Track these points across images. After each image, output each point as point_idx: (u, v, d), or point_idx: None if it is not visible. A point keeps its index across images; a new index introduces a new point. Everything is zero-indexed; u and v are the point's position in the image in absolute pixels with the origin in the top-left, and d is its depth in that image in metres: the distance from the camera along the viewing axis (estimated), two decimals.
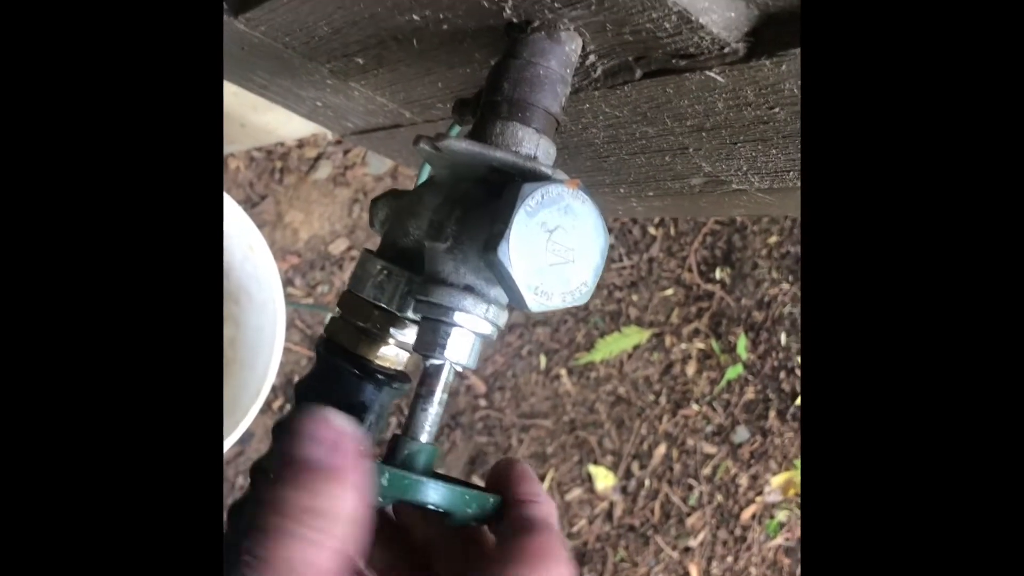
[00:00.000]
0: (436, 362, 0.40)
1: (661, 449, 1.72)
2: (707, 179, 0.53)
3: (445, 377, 0.40)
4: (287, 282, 1.38)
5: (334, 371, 0.44)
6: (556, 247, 0.37)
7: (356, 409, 0.44)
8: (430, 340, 0.40)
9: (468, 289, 0.39)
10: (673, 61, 0.40)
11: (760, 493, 1.77)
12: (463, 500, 0.38)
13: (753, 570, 1.75)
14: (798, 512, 1.78)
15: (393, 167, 1.46)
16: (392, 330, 0.44)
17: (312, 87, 0.60)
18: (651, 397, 1.71)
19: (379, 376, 0.44)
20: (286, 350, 1.03)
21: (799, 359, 1.77)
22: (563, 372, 1.68)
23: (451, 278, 0.40)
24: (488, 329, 0.40)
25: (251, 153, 1.35)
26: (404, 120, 0.60)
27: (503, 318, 0.41)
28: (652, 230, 1.75)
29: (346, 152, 1.45)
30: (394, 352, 0.45)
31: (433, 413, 0.40)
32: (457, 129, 0.50)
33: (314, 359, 0.46)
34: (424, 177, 0.55)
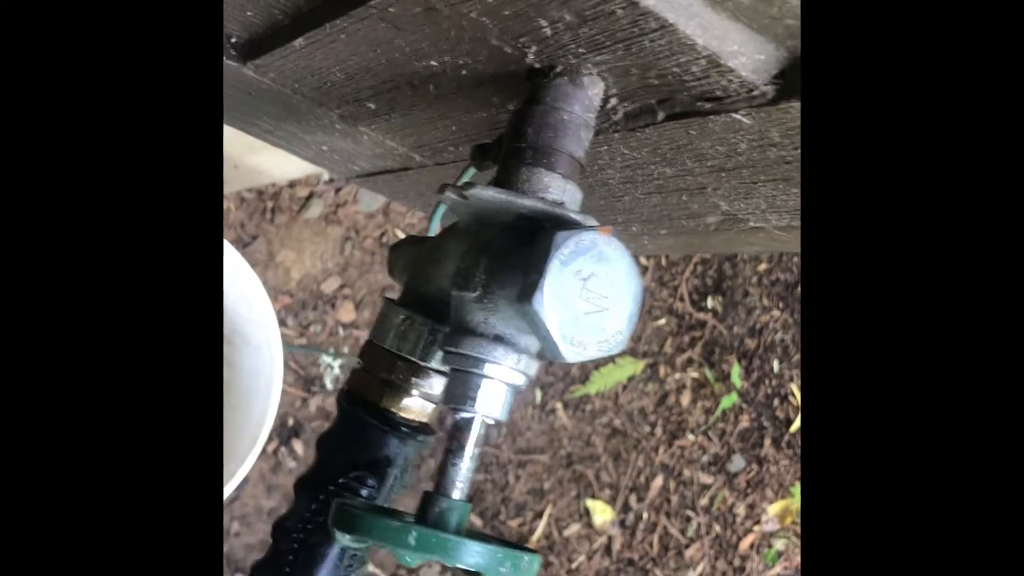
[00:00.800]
0: (466, 415, 0.39)
1: (658, 481, 1.71)
2: (724, 217, 0.53)
3: (476, 431, 0.39)
4: (279, 322, 1.36)
5: (357, 425, 0.43)
6: (590, 295, 0.36)
7: (381, 464, 0.43)
8: (460, 392, 0.39)
9: (499, 339, 0.39)
10: (698, 104, 0.40)
11: (757, 522, 1.76)
12: (497, 559, 0.37)
13: None
14: (796, 540, 1.77)
15: (385, 204, 1.46)
16: (416, 381, 0.43)
17: (320, 132, 0.59)
18: (647, 428, 1.70)
19: (404, 429, 0.43)
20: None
21: (792, 386, 1.77)
22: (558, 406, 1.67)
23: (481, 328, 0.39)
24: (520, 380, 0.39)
25: (242, 194, 1.34)
26: (414, 163, 0.60)
27: (534, 368, 0.40)
28: (643, 260, 1.75)
29: (337, 191, 1.44)
30: (419, 404, 0.44)
31: (465, 468, 0.39)
32: (472, 172, 0.50)
33: (336, 413, 0.45)
34: (436, 223, 0.54)
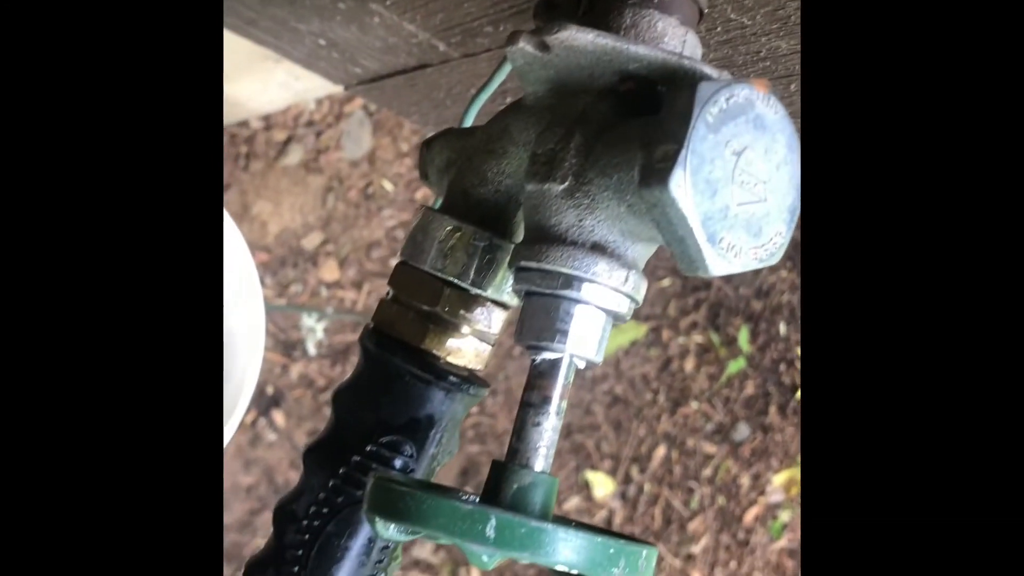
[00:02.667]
0: (551, 356, 0.28)
1: (660, 451, 1.62)
2: None
3: (564, 376, 0.28)
4: None
5: (389, 374, 0.32)
6: (745, 179, 0.25)
7: (421, 425, 0.32)
8: (543, 324, 0.28)
9: (598, 248, 0.27)
10: None
11: (762, 493, 1.68)
12: (608, 557, 0.26)
13: (757, 574, 1.65)
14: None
15: (371, 151, 1.33)
16: (467, 315, 0.32)
17: (317, 17, 0.47)
18: (649, 396, 1.60)
19: (451, 379, 0.32)
20: None
21: (799, 350, 1.68)
22: None
23: (572, 233, 0.28)
24: (624, 306, 0.28)
25: None
26: (434, 57, 0.48)
27: (643, 289, 0.29)
28: None
29: (319, 135, 1.31)
30: (471, 345, 0.33)
31: (550, 429, 0.28)
32: (506, 70, 0.38)
33: (360, 359, 0.33)
34: (472, 118, 0.43)
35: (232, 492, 1.26)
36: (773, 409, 1.67)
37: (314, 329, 1.26)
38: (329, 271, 1.31)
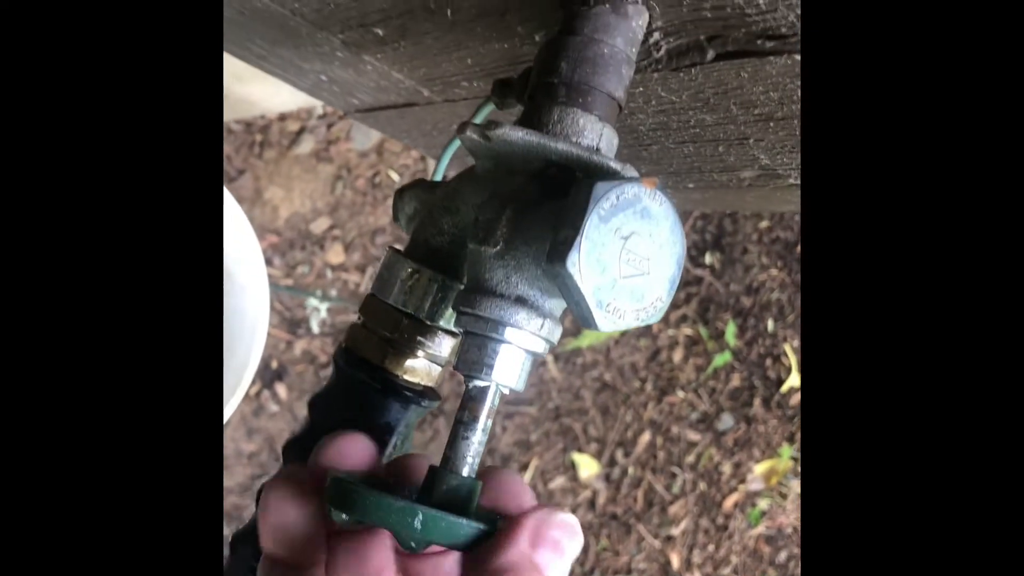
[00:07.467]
0: (481, 384, 0.35)
1: (645, 436, 1.69)
2: (761, 172, 0.48)
3: (490, 401, 0.35)
4: (265, 262, 1.31)
5: (355, 387, 0.39)
6: (630, 257, 0.32)
7: (380, 430, 0.39)
8: (475, 359, 0.35)
9: (521, 301, 0.34)
10: (758, 42, 0.35)
11: (743, 481, 1.75)
12: None
13: (734, 558, 1.73)
14: (780, 500, 1.76)
15: (379, 143, 1.40)
16: (422, 341, 0.39)
17: (319, 60, 0.53)
18: (637, 384, 1.67)
19: (407, 393, 0.39)
20: None
21: (786, 346, 1.75)
22: (549, 358, 1.64)
23: (500, 287, 0.34)
24: (541, 347, 0.35)
25: (229, 125, 1.28)
26: (420, 99, 0.54)
27: (557, 334, 0.36)
28: None
29: (330, 126, 1.37)
30: (424, 366, 0.40)
31: (476, 442, 0.35)
32: (488, 109, 0.45)
33: (332, 372, 0.41)
34: (443, 168, 0.49)
35: (235, 458, 1.34)
36: (757, 401, 1.73)
37: (318, 309, 1.33)
38: (335, 254, 1.39)
